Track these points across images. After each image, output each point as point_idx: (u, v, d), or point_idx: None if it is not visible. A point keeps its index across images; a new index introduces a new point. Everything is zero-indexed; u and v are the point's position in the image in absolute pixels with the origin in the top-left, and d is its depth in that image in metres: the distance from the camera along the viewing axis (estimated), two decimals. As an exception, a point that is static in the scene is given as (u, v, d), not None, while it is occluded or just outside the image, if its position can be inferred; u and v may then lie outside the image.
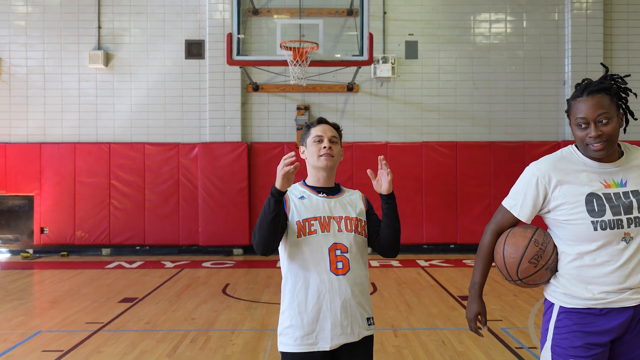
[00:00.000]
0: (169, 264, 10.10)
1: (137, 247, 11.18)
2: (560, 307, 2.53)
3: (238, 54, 9.06)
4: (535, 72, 11.50)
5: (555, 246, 2.55)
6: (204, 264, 10.06)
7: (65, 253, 11.02)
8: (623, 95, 2.52)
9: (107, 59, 11.28)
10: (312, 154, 2.80)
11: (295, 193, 2.79)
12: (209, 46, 11.15)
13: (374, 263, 10.02)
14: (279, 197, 2.58)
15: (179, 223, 11.05)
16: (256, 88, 11.22)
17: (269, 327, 6.04)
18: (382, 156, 2.85)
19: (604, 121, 2.42)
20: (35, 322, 6.24)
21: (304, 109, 11.25)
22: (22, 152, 11.05)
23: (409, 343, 5.42)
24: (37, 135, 11.26)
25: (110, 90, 11.33)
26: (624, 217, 2.43)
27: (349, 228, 2.73)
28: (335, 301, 2.66)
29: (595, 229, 2.43)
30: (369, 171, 2.82)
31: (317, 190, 2.80)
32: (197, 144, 11.09)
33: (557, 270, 2.55)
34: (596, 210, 2.43)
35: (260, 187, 11.11)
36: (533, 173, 2.55)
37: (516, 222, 2.64)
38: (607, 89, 2.47)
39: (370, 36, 8.98)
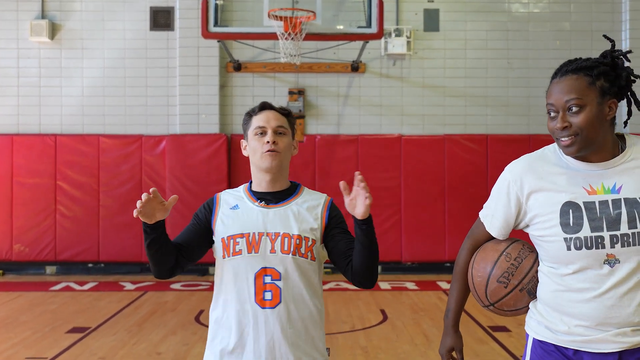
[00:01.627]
0: (129, 286, 10.10)
1: (90, 265, 11.18)
2: (534, 339, 2.51)
3: (216, 24, 9.07)
4: (585, 49, 11.51)
5: (535, 262, 2.51)
6: (172, 286, 10.07)
7: (0, 271, 11.02)
8: (625, 78, 2.42)
9: (53, 31, 11.30)
10: (254, 151, 2.80)
11: (229, 201, 2.81)
12: (179, 15, 11.17)
13: (384, 285, 10.05)
14: (147, 229, 2.68)
15: (141, 234, 11.00)
16: (238, 67, 11.24)
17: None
18: (358, 172, 2.65)
19: (574, 109, 2.36)
20: (-38, 358, 6.26)
21: (298, 93, 11.27)
22: (-53, 146, 11.07)
23: (427, 384, 5.46)
24: (-35, 125, 11.29)
25: (57, 70, 11.34)
26: (606, 234, 2.32)
27: (285, 249, 2.67)
28: (259, 341, 2.65)
29: (569, 248, 2.35)
30: (341, 184, 2.65)
31: (258, 196, 2.80)
32: (165, 136, 11.11)
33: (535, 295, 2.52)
34: (571, 224, 2.35)
35: (243, 190, 11.12)
36: (505, 177, 2.56)
37: (492, 237, 2.62)
38: (588, 68, 2.41)
39: (381, 3, 9.00)
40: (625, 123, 2.49)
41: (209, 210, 2.81)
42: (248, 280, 2.65)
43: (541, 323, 2.47)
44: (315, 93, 11.43)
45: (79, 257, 11.08)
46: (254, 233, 2.68)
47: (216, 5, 9.06)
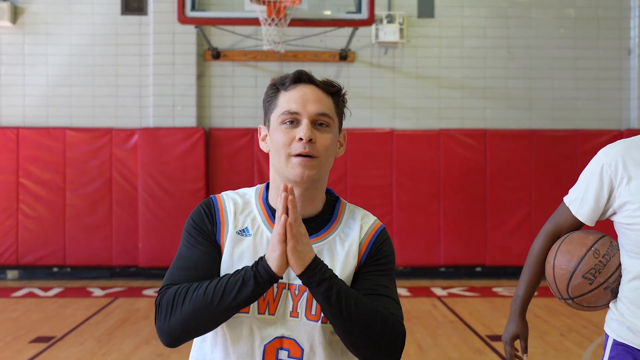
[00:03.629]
0: (97, 292, 10.07)
1: (55, 269, 11.13)
2: (614, 340, 2.56)
3: (193, 8, 9.07)
4: (591, 38, 11.59)
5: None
6: (145, 292, 10.05)
7: (-44, 276, 10.97)
8: None
9: (15, 14, 11.23)
10: (277, 149, 2.06)
11: (237, 216, 2.09)
12: (153, -2, 11.17)
13: (374, 291, 10.05)
14: (268, 284, 1.90)
15: (112, 237, 11.02)
16: (217, 55, 11.22)
17: None
18: (286, 189, 1.91)
19: None
20: None
21: (282, 83, 11.26)
22: None
23: (421, 398, 5.48)
24: None
25: (20, 57, 11.27)
26: None
27: (313, 312, 2.00)
28: None
29: None
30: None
31: None
32: (137, 129, 11.07)
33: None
34: None
35: (222, 188, 11.10)
36: (599, 160, 2.57)
37: (578, 224, 2.67)
38: None
39: (371, -13, 9.02)
40: None
41: (212, 221, 2.08)
42: (254, 353, 2.00)
43: (623, 324, 2.51)
44: (301, 84, 11.42)
45: (43, 261, 11.03)
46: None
47: (194, -13, 9.05)
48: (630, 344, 2.49)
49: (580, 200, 2.61)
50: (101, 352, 6.78)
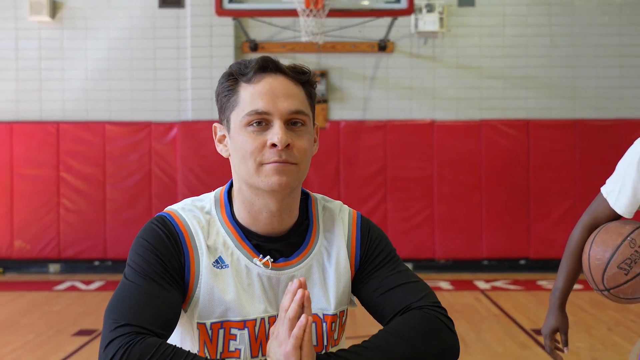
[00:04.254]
0: (138, 286, 10.17)
1: (96, 263, 11.28)
2: None
3: (230, 0, 9.09)
4: (637, 24, 11.42)
5: None
6: (185, 286, 10.13)
7: (0, 270, 11.20)
8: None
9: (55, 9, 11.37)
10: (243, 156, 1.75)
11: (209, 243, 1.76)
12: (191, -9, 11.22)
13: (415, 285, 10.04)
14: None
15: (152, 230, 11.11)
16: (255, 47, 11.25)
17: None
18: (300, 285, 1.63)
19: None
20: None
21: (320, 75, 11.27)
22: (-58, 135, 11.20)
23: (465, 393, 5.46)
24: (-39, 112, 11.42)
25: (59, 51, 11.41)
26: None
27: (315, 344, 1.78)
28: None
29: None
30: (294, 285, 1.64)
31: (256, 242, 1.78)
32: (176, 123, 11.16)
33: None
34: None
35: (260, 181, 11.15)
36: (636, 152, 2.53)
37: (615, 215, 2.63)
38: None
39: (411, -24, 8.97)
40: None
41: (177, 249, 1.74)
42: None
43: None
44: (339, 75, 11.41)
45: (85, 255, 11.18)
46: (261, 319, 1.72)
47: (231, -21, 9.08)
48: None
49: (618, 192, 2.56)
50: (143, 346, 6.84)
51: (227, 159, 1.80)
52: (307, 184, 11.08)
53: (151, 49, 11.39)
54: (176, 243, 1.72)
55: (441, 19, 11.22)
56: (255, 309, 1.71)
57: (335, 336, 1.83)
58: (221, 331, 1.69)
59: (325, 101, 11.27)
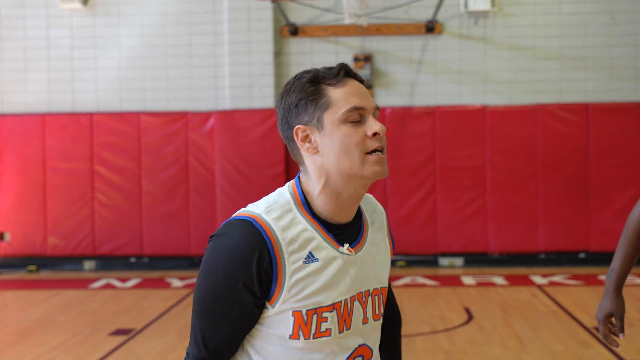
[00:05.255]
0: (176, 282, 10.30)
1: (132, 260, 11.43)
2: None
3: (269, -18, 9.13)
4: None
5: None
6: (225, 283, 10.20)
7: (34, 267, 11.37)
8: None
9: (86, -5, 11.53)
10: (346, 150, 1.96)
11: (295, 243, 1.96)
12: (227, -27, 11.28)
13: (467, 280, 10.04)
14: None
15: (190, 225, 11.23)
16: (295, 31, 11.27)
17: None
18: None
19: None
20: (-4, 363, 6.49)
21: (364, 59, 11.26)
22: (-27, 128, 11.43)
23: (523, 394, 5.43)
24: (-8, 105, 11.64)
25: (92, 40, 11.56)
26: None
27: (377, 312, 2.10)
28: None
29: None
30: None
31: (337, 232, 2.03)
32: (213, 112, 11.24)
33: None
34: None
35: (302, 172, 11.18)
36: None
37: None
38: None
39: (460, -49, 8.91)
40: None
41: (267, 268, 1.93)
42: None
43: None
44: (384, 59, 11.40)
45: (120, 251, 11.33)
46: (345, 300, 2.01)
47: (270, -41, 9.10)
48: None
49: None
50: (182, 345, 6.92)
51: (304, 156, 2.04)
52: (351, 175, 11.09)
53: (186, 34, 11.47)
54: (262, 253, 1.91)
55: (492, -2, 11.15)
56: (341, 292, 1.98)
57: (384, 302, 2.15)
58: (314, 316, 1.95)
59: (369, 87, 11.25)
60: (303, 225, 1.96)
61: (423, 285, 9.78)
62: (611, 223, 10.87)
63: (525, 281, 9.98)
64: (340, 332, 1.98)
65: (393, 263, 11.14)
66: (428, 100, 11.34)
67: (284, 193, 2.02)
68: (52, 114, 11.47)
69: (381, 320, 2.12)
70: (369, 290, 2.04)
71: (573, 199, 11.06)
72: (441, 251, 11.21)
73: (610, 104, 11.16)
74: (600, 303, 2.73)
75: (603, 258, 10.89)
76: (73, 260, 11.48)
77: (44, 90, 11.60)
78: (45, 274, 11.20)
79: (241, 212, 1.99)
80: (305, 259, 1.94)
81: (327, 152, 1.96)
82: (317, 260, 1.95)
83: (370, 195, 2.21)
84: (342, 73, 1.99)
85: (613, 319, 2.70)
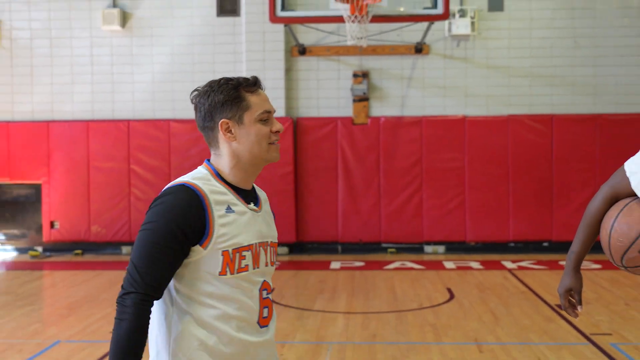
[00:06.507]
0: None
1: (162, 245, 11.54)
2: None
3: (282, 9, 9.23)
4: (654, 26, 11.31)
5: None
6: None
7: (79, 251, 11.51)
8: None
9: (124, 19, 11.64)
10: (258, 139, 2.28)
11: (216, 198, 2.24)
12: (245, 0, 11.37)
13: (449, 265, 10.14)
14: None
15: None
16: (303, 51, 11.39)
17: (326, 339, 6.26)
18: None
19: None
20: (52, 331, 6.63)
21: (362, 75, 11.37)
22: (28, 132, 11.54)
23: (497, 359, 5.56)
24: (43, 112, 11.73)
25: (129, 57, 11.69)
26: None
27: (272, 260, 2.40)
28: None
29: None
30: None
31: (244, 195, 2.33)
32: (233, 120, 11.34)
33: None
34: None
35: (308, 172, 11.32)
36: None
37: (635, 193, 2.47)
38: None
39: (446, -15, 9.02)
40: None
41: (200, 212, 2.18)
42: (253, 295, 2.28)
43: None
44: (379, 75, 11.51)
45: (152, 238, 11.42)
46: (256, 244, 2.29)
47: (283, -10, 9.21)
48: None
49: None
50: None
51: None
52: (350, 176, 11.24)
53: (210, 53, 11.60)
54: (199, 205, 2.19)
55: (472, 23, 11.24)
56: (253, 237, 2.28)
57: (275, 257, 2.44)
58: (237, 254, 2.22)
59: (366, 99, 11.38)
60: (220, 189, 2.26)
61: (411, 269, 9.88)
62: (570, 217, 10.98)
63: (498, 266, 10.08)
64: (253, 269, 2.27)
65: (385, 250, 11.30)
66: (416, 111, 11.45)
67: (200, 170, 2.34)
68: (95, 121, 11.60)
69: (274, 267, 2.41)
70: (268, 241, 2.34)
71: (539, 197, 11.16)
72: (426, 240, 11.33)
73: (572, 115, 11.25)
74: (561, 280, 2.70)
75: (563, 247, 11.01)
76: (112, 246, 11.61)
77: (88, 100, 11.72)
78: (89, 257, 11.33)
79: (173, 182, 2.27)
80: (226, 210, 2.23)
81: (243, 140, 2.29)
82: (233, 212, 2.24)
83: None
84: (257, 83, 2.34)
85: (572, 294, 2.67)
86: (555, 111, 11.36)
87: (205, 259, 2.18)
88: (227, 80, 2.32)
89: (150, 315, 2.17)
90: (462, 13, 11.21)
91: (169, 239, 2.14)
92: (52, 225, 11.48)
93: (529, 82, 11.45)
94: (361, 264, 10.38)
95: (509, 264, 10.17)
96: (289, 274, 9.70)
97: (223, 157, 2.32)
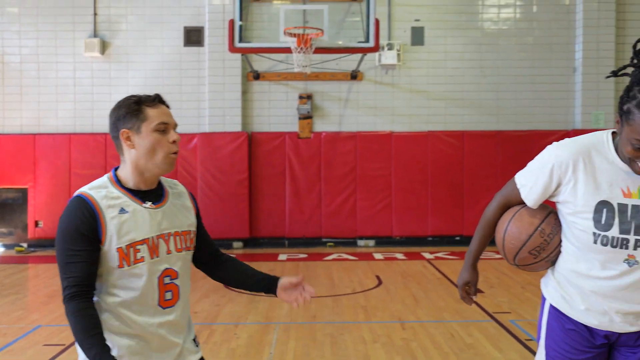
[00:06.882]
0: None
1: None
2: (551, 305, 2.37)
3: (240, 41, 9.11)
4: (545, 59, 11.54)
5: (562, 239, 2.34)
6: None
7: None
8: None
9: (104, 47, 11.33)
10: (153, 149, 2.18)
11: (109, 203, 2.15)
12: (208, 33, 11.18)
13: (377, 256, 10.11)
14: None
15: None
16: (257, 76, 11.26)
17: (274, 320, 6.14)
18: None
19: None
20: (34, 317, 6.34)
21: (307, 97, 11.30)
22: (16, 143, 11.10)
23: (417, 336, 5.52)
24: (31, 126, 11.31)
25: (107, 80, 11.38)
26: (632, 237, 2.14)
27: (179, 247, 2.27)
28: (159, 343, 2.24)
29: (595, 242, 2.18)
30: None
31: (141, 196, 2.22)
32: (196, 134, 11.15)
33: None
34: (602, 222, 2.16)
35: (261, 178, 11.18)
36: (550, 158, 2.25)
37: (524, 202, 2.39)
38: None
39: (377, 22, 9.02)
40: None
41: (92, 216, 2.11)
42: (153, 284, 2.18)
43: (557, 291, 2.35)
44: (321, 97, 11.46)
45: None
46: (152, 237, 2.19)
47: (240, 25, 9.09)
48: (562, 311, 2.32)
49: (530, 188, 2.31)
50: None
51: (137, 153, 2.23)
52: (295, 181, 11.13)
53: (178, 77, 11.37)
54: (90, 212, 2.11)
55: (398, 55, 11.29)
56: (149, 232, 2.18)
57: (189, 244, 2.32)
58: (131, 249, 2.14)
59: (310, 117, 11.31)
60: (114, 194, 2.16)
61: (346, 260, 9.82)
62: (478, 215, 10.93)
63: (419, 256, 10.09)
64: (152, 259, 2.17)
65: (325, 244, 11.22)
66: (352, 128, 11.44)
67: (102, 178, 2.26)
68: (76, 134, 11.23)
69: (185, 253, 2.28)
70: (171, 232, 2.23)
71: (452, 199, 11.26)
72: (359, 235, 11.30)
73: (479, 132, 11.39)
74: (460, 274, 2.62)
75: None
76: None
77: (71, 116, 11.36)
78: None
79: (75, 194, 2.18)
80: (119, 211, 2.14)
81: (140, 148, 2.18)
82: (127, 212, 2.15)
83: (176, 181, 2.41)
84: (157, 99, 2.25)
85: (469, 286, 2.59)
86: (465, 128, 11.48)
87: (106, 254, 2.12)
88: (131, 97, 2.26)
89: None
90: (390, 46, 11.25)
91: (75, 242, 2.09)
92: (36, 224, 11.06)
93: (444, 104, 11.55)
94: (304, 255, 10.28)
95: (427, 255, 10.20)
96: (244, 264, 9.52)
97: (126, 163, 2.22)
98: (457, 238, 11.31)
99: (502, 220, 2.42)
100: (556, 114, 11.53)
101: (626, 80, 2.18)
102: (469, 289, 2.60)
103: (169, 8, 11.36)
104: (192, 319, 2.46)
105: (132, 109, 2.21)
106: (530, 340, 5.35)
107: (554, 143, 2.28)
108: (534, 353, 4.99)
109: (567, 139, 2.27)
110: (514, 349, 5.11)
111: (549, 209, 2.36)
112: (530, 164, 2.35)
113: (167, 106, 2.28)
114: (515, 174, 2.38)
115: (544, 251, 2.31)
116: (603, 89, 11.27)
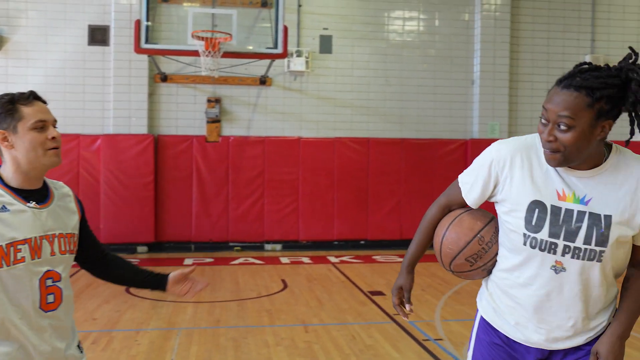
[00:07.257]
0: (68, 263, 9.74)
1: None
2: (482, 317, 2.30)
3: (146, 42, 8.91)
4: (446, 71, 11.97)
5: None
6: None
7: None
8: (632, 102, 1.94)
9: (1, 43, 10.72)
10: (33, 147, 2.12)
11: None
12: (114, 32, 10.83)
13: (284, 260, 10.13)
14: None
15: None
16: (164, 78, 11.02)
17: (176, 325, 6.01)
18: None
19: (562, 127, 1.94)
20: None
21: (215, 101, 11.17)
22: None
23: (320, 338, 5.57)
24: None
25: (4, 77, 10.77)
26: (560, 243, 2.04)
27: (63, 249, 2.21)
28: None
29: (525, 244, 2.09)
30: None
31: (24, 195, 2.15)
32: (100, 135, 10.77)
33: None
34: (533, 223, 2.06)
35: (167, 181, 10.94)
36: (490, 155, 2.19)
37: (466, 203, 2.31)
38: (593, 89, 1.90)
39: (285, 29, 9.07)
40: (627, 142, 2.05)
41: None
42: (33, 286, 2.11)
43: (490, 304, 2.26)
44: (230, 101, 11.36)
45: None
46: (35, 237, 2.12)
47: (147, 26, 8.87)
48: (493, 324, 2.24)
49: (470, 186, 2.23)
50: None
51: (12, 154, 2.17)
52: (203, 185, 10.97)
53: (81, 77, 10.94)
54: None
55: (307, 62, 11.37)
56: (31, 232, 2.11)
57: (72, 247, 2.26)
58: (11, 248, 2.06)
59: (218, 121, 11.19)
60: (2, 191, 2.10)
61: (253, 264, 9.76)
62: (381, 221, 11.36)
63: (324, 260, 10.18)
64: (32, 260, 2.10)
65: (232, 248, 11.11)
66: (260, 132, 11.41)
67: None
68: (-30, 132, 10.55)
69: (69, 256, 2.23)
70: (55, 233, 2.17)
71: (357, 204, 11.45)
72: (266, 239, 11.28)
73: (383, 139, 11.65)
74: (396, 279, 2.43)
75: (376, 244, 11.39)
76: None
77: (-37, 113, 10.65)
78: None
79: None
80: (1, 209, 2.07)
81: (19, 148, 2.12)
82: (9, 210, 2.08)
83: (62, 182, 2.36)
84: (31, 97, 2.18)
85: (402, 292, 2.41)
86: (370, 135, 11.70)
87: None
88: (4, 96, 2.18)
89: None
90: (299, 53, 11.32)
91: None
92: None
93: (350, 112, 11.74)
94: (211, 260, 10.14)
95: (333, 259, 10.31)
96: (148, 269, 9.27)
97: (7, 163, 2.16)
98: (362, 242, 11.50)
99: (441, 224, 2.33)
100: (455, 123, 11.98)
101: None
102: (402, 296, 2.41)
103: (72, 5, 10.91)
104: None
105: (6, 109, 2.14)
106: (427, 340, 5.52)
107: (497, 141, 2.23)
108: (430, 353, 5.17)
109: (511, 138, 2.21)
110: (412, 350, 5.26)
111: (490, 217, 2.30)
112: (473, 162, 2.28)
113: (44, 102, 2.21)
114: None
115: (480, 259, 2.23)
116: (498, 101, 11.84)
